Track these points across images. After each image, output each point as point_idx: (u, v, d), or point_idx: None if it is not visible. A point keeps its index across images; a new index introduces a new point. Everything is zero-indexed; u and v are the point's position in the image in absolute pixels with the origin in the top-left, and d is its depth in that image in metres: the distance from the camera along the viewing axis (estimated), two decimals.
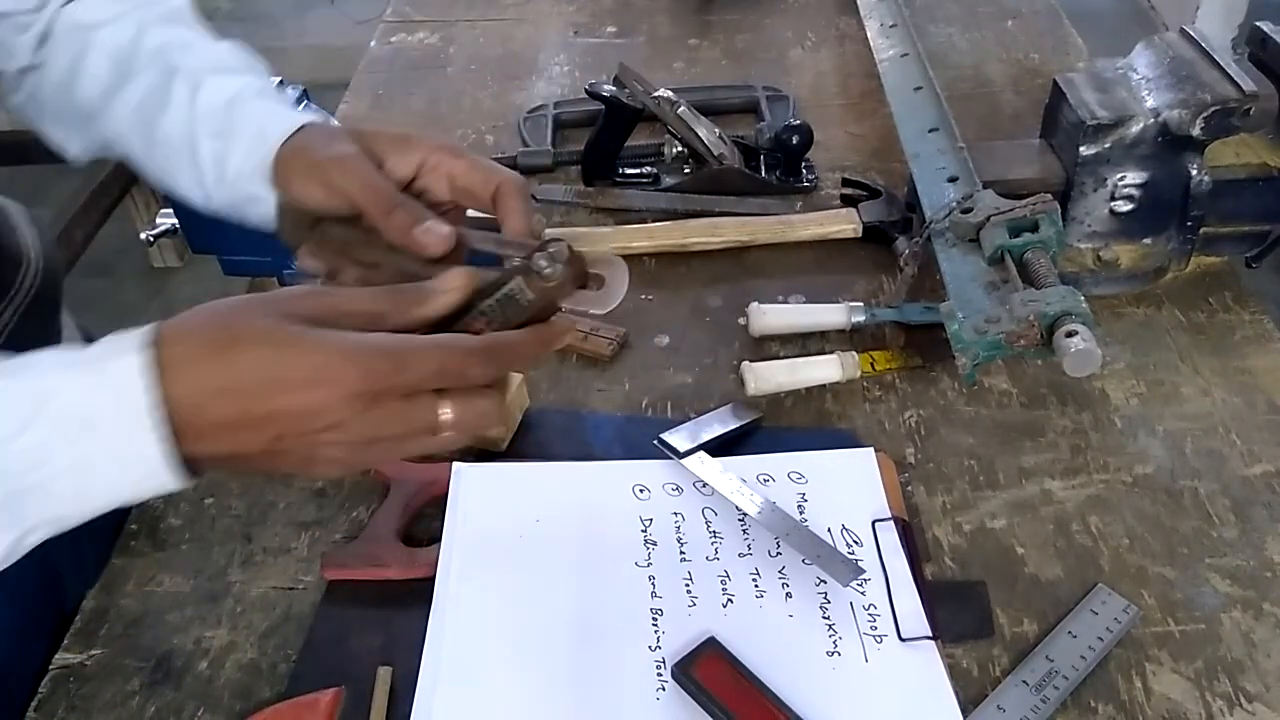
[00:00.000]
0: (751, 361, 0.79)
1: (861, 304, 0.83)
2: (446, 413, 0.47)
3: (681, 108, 0.99)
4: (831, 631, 0.63)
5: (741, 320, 0.84)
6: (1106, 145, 0.81)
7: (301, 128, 0.62)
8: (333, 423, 0.45)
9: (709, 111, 1.02)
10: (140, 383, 0.43)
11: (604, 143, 1.00)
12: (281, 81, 0.94)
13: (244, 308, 0.46)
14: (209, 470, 0.47)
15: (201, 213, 0.68)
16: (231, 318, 0.46)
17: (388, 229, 0.57)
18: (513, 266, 0.51)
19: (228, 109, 0.64)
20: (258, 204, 0.64)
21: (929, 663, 0.61)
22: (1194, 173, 0.81)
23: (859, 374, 0.78)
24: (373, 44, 1.30)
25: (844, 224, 0.93)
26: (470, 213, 0.62)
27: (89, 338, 0.83)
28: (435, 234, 0.56)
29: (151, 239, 0.93)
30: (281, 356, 0.44)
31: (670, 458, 0.72)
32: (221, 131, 0.63)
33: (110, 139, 0.70)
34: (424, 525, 0.70)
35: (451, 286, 0.49)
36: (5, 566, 0.46)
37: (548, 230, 0.57)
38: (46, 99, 0.70)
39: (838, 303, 0.83)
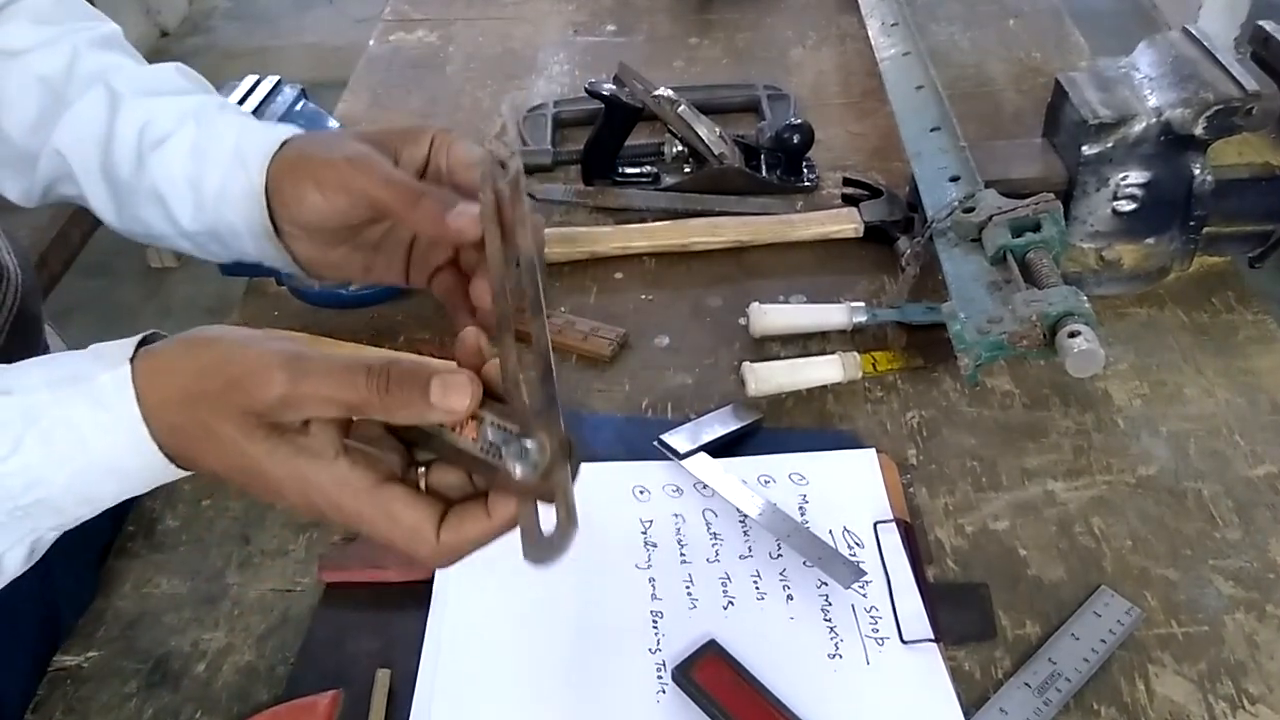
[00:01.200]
0: (752, 362, 0.78)
1: (863, 304, 0.83)
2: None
3: (682, 107, 0.98)
4: (833, 634, 0.62)
5: (742, 320, 0.84)
6: (1109, 144, 0.80)
7: (287, 140, 0.57)
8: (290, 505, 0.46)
9: (709, 110, 1.02)
10: (127, 394, 0.43)
11: (604, 142, 1.00)
12: (280, 81, 0.93)
13: (221, 394, 0.43)
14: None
15: (178, 250, 0.63)
16: (210, 417, 0.43)
17: (417, 222, 0.52)
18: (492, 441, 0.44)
19: (197, 127, 0.59)
20: (237, 237, 0.59)
21: (931, 665, 0.61)
22: (1197, 172, 0.81)
23: (860, 375, 0.78)
24: (371, 43, 1.30)
25: (845, 224, 0.92)
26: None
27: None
28: (467, 216, 0.50)
29: None
30: (249, 477, 0.45)
31: (670, 459, 0.72)
32: (193, 150, 0.59)
33: (54, 178, 0.64)
34: None
35: (438, 412, 0.43)
36: (29, 566, 0.46)
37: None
38: None
39: (839, 303, 0.83)
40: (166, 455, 0.44)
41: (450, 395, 0.42)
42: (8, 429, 0.43)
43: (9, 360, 0.65)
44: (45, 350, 0.74)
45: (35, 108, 0.62)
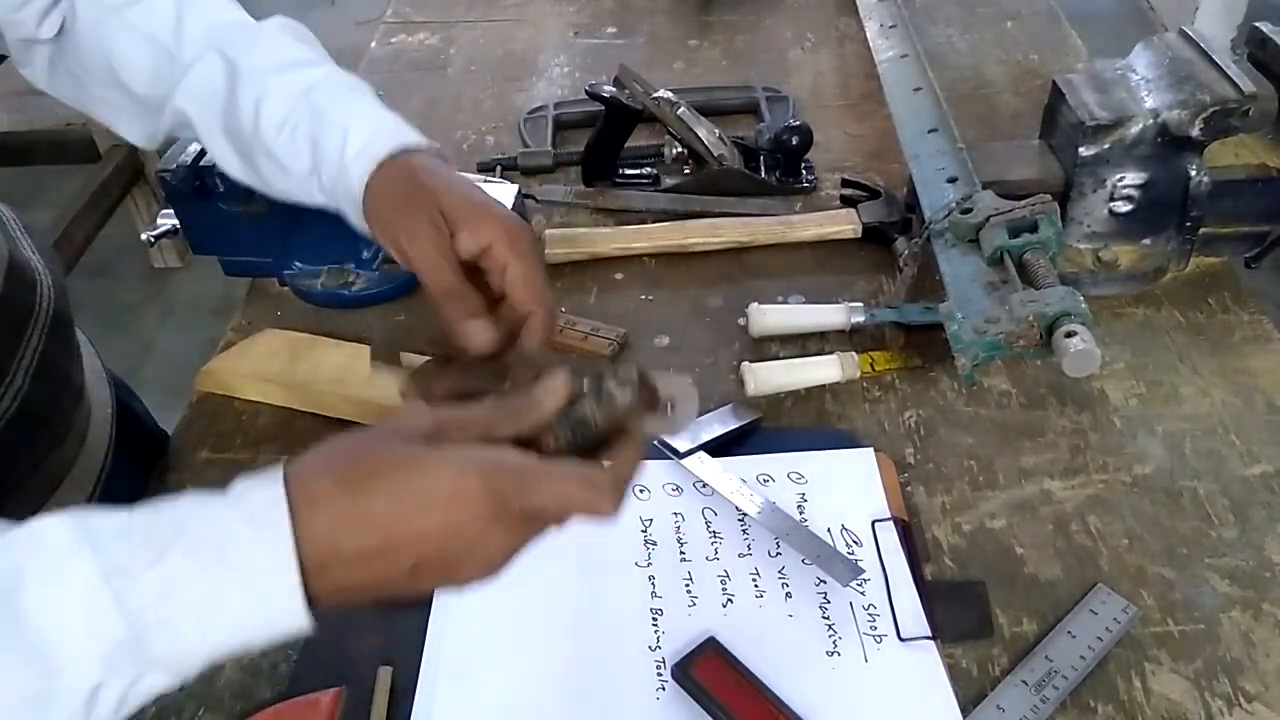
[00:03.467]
0: (751, 362, 0.79)
1: (861, 304, 0.83)
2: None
3: (681, 108, 0.99)
4: (831, 631, 0.63)
5: (741, 321, 0.85)
6: (1106, 146, 0.81)
7: (383, 164, 0.60)
8: (470, 539, 0.44)
9: (709, 112, 1.02)
10: (280, 511, 0.42)
11: (604, 143, 1.00)
12: None
13: (369, 439, 0.45)
14: (338, 605, 0.43)
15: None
16: (359, 451, 0.45)
17: (439, 309, 0.57)
18: (582, 390, 0.48)
19: (311, 117, 0.62)
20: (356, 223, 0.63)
21: (928, 663, 0.61)
22: (1193, 173, 0.81)
23: (858, 374, 0.78)
24: (373, 45, 1.31)
25: (844, 224, 0.93)
26: None
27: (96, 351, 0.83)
28: (480, 335, 0.55)
29: (152, 239, 0.92)
30: (414, 479, 0.43)
31: (670, 458, 0.72)
32: (311, 141, 0.62)
33: (176, 127, 0.68)
34: None
35: (551, 399, 0.47)
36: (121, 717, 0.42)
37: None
38: (86, 81, 0.68)
39: (837, 303, 0.84)
40: (305, 570, 0.42)
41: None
42: (154, 540, 0.41)
43: (48, 363, 0.67)
44: (78, 351, 0.75)
45: (149, 63, 0.65)
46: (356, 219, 0.62)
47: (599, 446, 0.48)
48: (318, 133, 0.62)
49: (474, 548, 0.44)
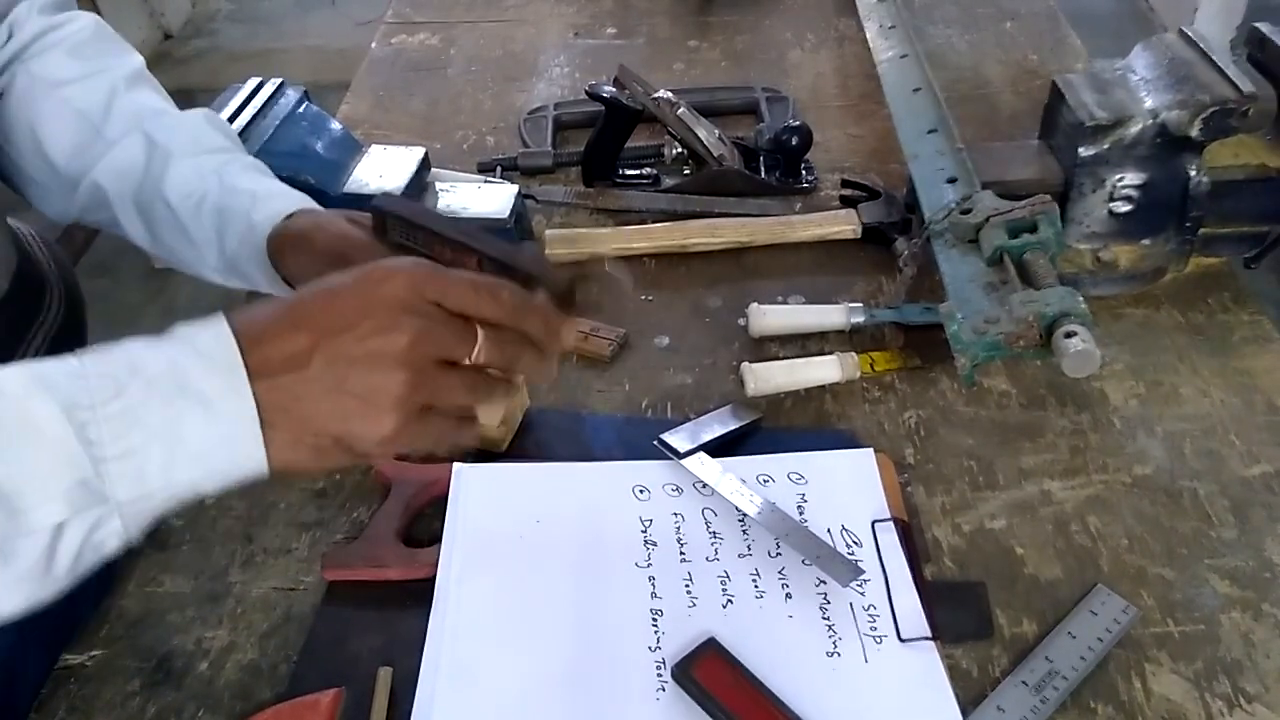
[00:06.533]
0: (751, 362, 0.79)
1: (861, 305, 0.83)
2: (479, 341, 0.48)
3: (681, 109, 0.99)
4: (831, 632, 0.63)
5: (741, 321, 0.85)
6: (1105, 146, 0.81)
7: (292, 214, 0.64)
8: (383, 323, 0.46)
9: (709, 113, 1.02)
10: (228, 344, 0.45)
11: (604, 144, 1.00)
12: (282, 83, 0.94)
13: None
14: (292, 431, 0.46)
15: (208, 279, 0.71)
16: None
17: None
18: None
19: (220, 186, 0.66)
20: (256, 283, 0.67)
21: (929, 663, 0.61)
22: (1192, 173, 0.81)
23: (858, 375, 0.78)
24: (373, 45, 1.31)
25: (843, 225, 0.93)
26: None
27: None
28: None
29: None
30: (340, 275, 0.48)
31: (670, 458, 0.72)
32: (216, 209, 0.66)
33: (90, 204, 0.70)
34: (424, 525, 0.70)
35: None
36: (77, 573, 0.44)
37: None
38: (7, 149, 0.70)
39: (837, 303, 0.84)
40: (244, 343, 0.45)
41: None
42: (113, 377, 0.43)
43: None
44: None
45: (72, 138, 0.69)
46: (264, 277, 0.66)
47: None
48: (224, 201, 0.66)
49: (387, 334, 0.46)
